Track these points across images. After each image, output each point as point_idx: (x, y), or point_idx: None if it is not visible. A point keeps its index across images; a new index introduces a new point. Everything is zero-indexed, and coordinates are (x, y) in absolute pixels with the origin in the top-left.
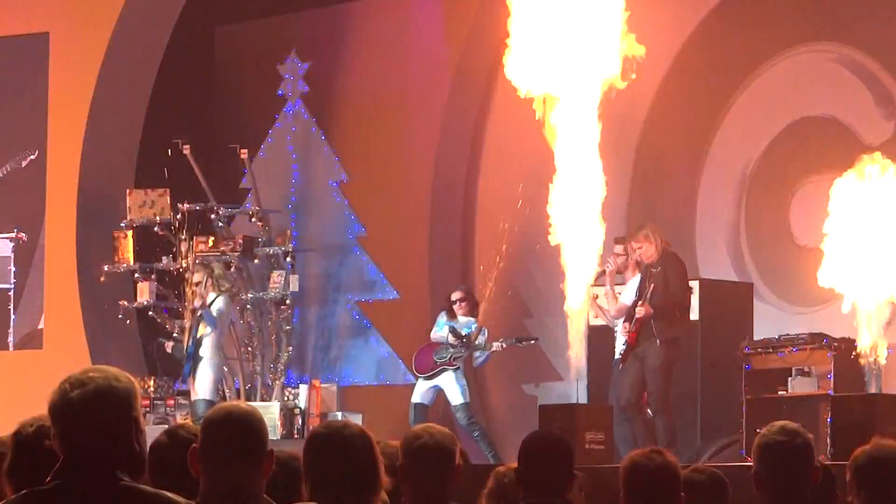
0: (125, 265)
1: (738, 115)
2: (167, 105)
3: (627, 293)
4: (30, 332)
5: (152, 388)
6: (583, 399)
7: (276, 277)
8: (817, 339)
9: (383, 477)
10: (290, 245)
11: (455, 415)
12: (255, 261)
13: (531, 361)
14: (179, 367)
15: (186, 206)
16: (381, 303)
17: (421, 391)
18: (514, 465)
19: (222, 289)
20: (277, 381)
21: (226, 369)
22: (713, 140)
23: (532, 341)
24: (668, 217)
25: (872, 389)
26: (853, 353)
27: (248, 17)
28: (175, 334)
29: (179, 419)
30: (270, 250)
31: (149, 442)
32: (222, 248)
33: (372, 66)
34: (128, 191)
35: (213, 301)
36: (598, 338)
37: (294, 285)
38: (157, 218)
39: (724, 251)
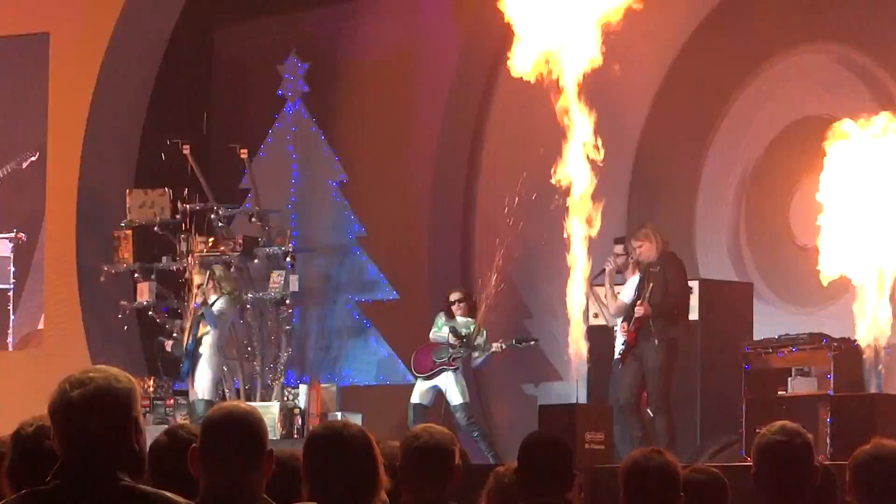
0: (125, 265)
1: (738, 115)
2: (167, 105)
3: (627, 292)
4: (30, 332)
5: (152, 388)
6: (583, 399)
7: (276, 277)
8: (817, 339)
9: (383, 477)
10: (290, 245)
11: (455, 415)
12: (255, 261)
13: (531, 361)
14: (179, 367)
15: (186, 206)
16: (381, 303)
17: (420, 392)
18: (514, 465)
19: (224, 291)
20: (277, 381)
21: (225, 369)
22: (713, 140)
23: (532, 342)
24: (668, 217)
25: (872, 389)
26: (853, 354)
27: (248, 17)
28: (175, 334)
29: (179, 419)
30: (270, 250)
31: (149, 442)
32: (222, 248)
33: (372, 66)
34: (128, 191)
35: (214, 301)
36: (598, 338)
37: (294, 285)
38: (157, 218)
39: (724, 251)
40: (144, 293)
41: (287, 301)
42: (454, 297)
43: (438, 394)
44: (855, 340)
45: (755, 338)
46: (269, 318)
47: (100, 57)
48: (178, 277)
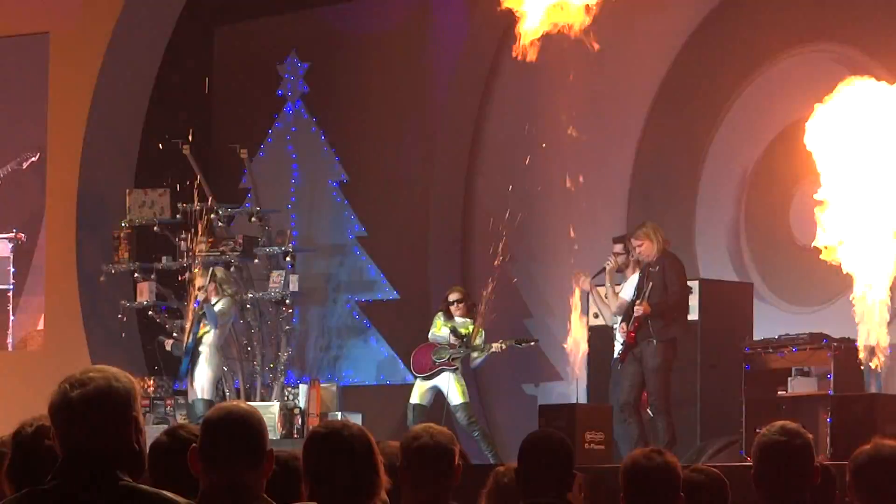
0: (125, 265)
1: (738, 115)
2: (167, 105)
3: (627, 290)
4: (30, 332)
5: (152, 388)
6: (583, 399)
7: (276, 277)
8: (817, 339)
9: (383, 477)
10: (290, 245)
11: (455, 415)
12: (255, 261)
13: (531, 361)
14: (179, 366)
15: (186, 205)
16: (381, 303)
17: (419, 392)
18: (514, 465)
19: (227, 293)
20: (277, 381)
21: (225, 369)
22: (713, 140)
23: (532, 343)
24: (668, 217)
25: (872, 389)
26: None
27: (248, 17)
28: (175, 334)
29: (179, 419)
30: (270, 250)
31: (149, 442)
32: (222, 248)
33: (372, 66)
34: (128, 191)
35: (216, 303)
36: (598, 338)
37: (294, 285)
38: (157, 218)
39: (724, 251)
40: (144, 293)
41: (287, 301)
42: (453, 297)
43: (437, 394)
44: (855, 340)
45: (755, 338)
46: (269, 318)
47: (100, 57)
48: (178, 277)
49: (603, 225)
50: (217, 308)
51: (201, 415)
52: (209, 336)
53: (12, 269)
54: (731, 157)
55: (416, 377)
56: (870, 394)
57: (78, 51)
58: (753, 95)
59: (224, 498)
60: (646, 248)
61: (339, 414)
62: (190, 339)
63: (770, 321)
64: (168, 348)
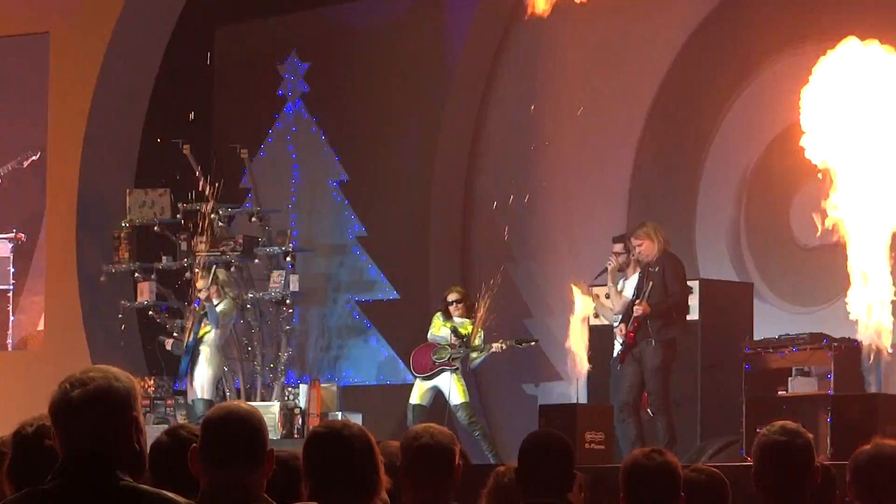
0: (125, 265)
1: (738, 115)
2: (167, 105)
3: (627, 290)
4: (30, 332)
5: (152, 388)
6: (583, 399)
7: (276, 277)
8: (817, 339)
9: (383, 477)
10: (290, 245)
11: (456, 414)
12: (255, 261)
13: (531, 361)
14: (179, 366)
15: (186, 205)
16: (381, 303)
17: (419, 392)
18: (514, 464)
19: (228, 295)
20: (277, 381)
21: (226, 369)
22: (713, 140)
23: (532, 343)
24: (668, 217)
25: (872, 389)
26: (853, 354)
27: (248, 17)
28: (175, 333)
29: (179, 419)
30: (270, 250)
31: (149, 442)
32: (222, 248)
33: (372, 66)
34: (128, 191)
35: (218, 303)
36: (598, 338)
37: (294, 285)
38: (157, 218)
39: (724, 251)
40: (144, 293)
41: (287, 301)
42: (452, 297)
43: (437, 394)
44: (855, 340)
45: (755, 338)
46: (269, 318)
47: (100, 57)
48: (178, 277)
49: (603, 225)
50: (219, 308)
51: (201, 415)
52: (210, 336)
53: (12, 269)
54: (731, 157)
55: (415, 377)
56: (870, 394)
57: (78, 51)
58: (753, 95)
59: (224, 498)
60: (646, 248)
61: (339, 414)
62: (191, 338)
63: (770, 321)
64: (168, 348)
